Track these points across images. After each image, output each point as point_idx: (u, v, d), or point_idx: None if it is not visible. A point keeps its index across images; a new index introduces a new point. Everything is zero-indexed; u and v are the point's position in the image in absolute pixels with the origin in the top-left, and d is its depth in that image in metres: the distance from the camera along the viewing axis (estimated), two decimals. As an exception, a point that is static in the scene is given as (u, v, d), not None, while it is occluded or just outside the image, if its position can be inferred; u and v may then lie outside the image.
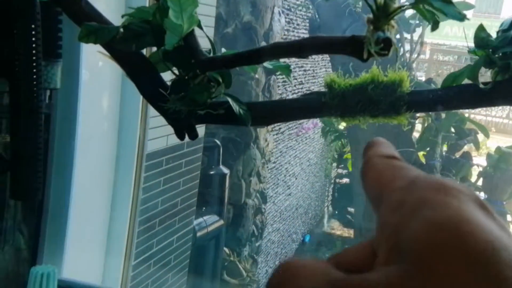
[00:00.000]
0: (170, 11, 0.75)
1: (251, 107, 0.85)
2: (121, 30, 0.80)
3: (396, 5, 0.46)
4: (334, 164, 6.98)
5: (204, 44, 0.79)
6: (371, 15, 0.47)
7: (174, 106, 0.86)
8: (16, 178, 1.00)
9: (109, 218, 1.70)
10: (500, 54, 0.70)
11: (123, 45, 0.82)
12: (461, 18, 0.46)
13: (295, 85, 5.23)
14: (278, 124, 4.48)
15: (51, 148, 1.35)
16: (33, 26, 0.97)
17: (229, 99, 0.84)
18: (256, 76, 3.72)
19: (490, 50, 0.71)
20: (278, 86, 4.59)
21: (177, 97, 0.85)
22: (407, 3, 0.48)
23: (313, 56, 5.81)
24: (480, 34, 0.71)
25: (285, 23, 4.36)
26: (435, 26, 0.48)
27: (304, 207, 6.74)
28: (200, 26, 0.80)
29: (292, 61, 5.13)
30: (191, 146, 2.21)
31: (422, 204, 0.20)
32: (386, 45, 0.46)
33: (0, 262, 1.30)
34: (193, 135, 0.87)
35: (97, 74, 1.57)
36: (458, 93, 0.76)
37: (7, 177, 1.09)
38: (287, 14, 4.62)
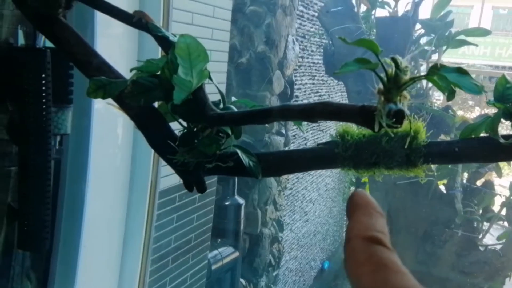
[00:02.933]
0: (179, 67, 0.74)
1: (261, 158, 0.83)
2: (130, 84, 0.79)
3: (408, 76, 0.43)
4: (352, 188, 6.93)
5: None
6: (381, 86, 0.44)
7: (182, 158, 0.84)
8: (23, 228, 0.99)
9: (120, 258, 1.68)
10: (521, 108, 0.67)
11: (132, 100, 0.81)
12: (479, 91, 0.43)
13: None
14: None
15: (61, 192, 1.34)
16: (43, 75, 0.98)
17: (238, 151, 0.82)
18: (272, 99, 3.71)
19: (510, 104, 0.67)
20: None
21: (185, 149, 0.84)
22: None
23: (328, 82, 5.80)
24: (500, 87, 0.68)
25: (299, 50, 4.37)
26: (451, 96, 0.46)
27: (322, 233, 6.63)
28: (210, 78, 0.78)
29: (308, 87, 5.14)
30: (205, 180, 2.19)
31: None
32: (398, 117, 0.43)
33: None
34: (202, 189, 0.85)
35: (109, 114, 1.57)
36: (478, 146, 0.73)
37: (16, 225, 1.08)
38: (301, 42, 4.64)
